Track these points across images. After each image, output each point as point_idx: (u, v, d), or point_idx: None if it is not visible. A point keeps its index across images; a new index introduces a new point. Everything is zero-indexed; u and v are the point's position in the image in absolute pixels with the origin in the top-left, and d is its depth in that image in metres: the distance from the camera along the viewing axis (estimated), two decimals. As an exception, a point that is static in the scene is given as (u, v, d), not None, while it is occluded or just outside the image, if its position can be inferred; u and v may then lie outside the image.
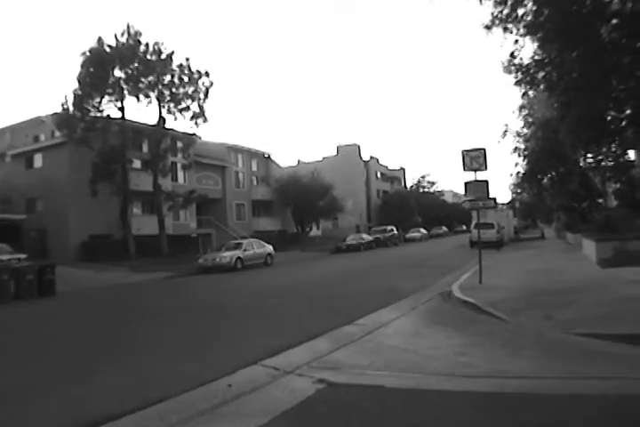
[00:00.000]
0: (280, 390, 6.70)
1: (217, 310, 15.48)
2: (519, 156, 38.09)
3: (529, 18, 13.32)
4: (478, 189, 16.91)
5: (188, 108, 41.51)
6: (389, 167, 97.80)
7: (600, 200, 38.88)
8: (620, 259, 18.03)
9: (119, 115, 39.74)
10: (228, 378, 7.30)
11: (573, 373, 6.74)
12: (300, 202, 61.02)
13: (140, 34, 39.10)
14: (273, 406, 6.06)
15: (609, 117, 16.80)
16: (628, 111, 15.85)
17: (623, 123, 16.48)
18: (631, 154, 26.82)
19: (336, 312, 12.82)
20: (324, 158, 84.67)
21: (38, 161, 42.65)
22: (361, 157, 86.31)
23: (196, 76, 41.04)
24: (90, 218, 39.21)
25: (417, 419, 5.38)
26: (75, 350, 10.07)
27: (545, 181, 41.15)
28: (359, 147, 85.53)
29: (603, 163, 25.73)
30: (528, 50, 15.70)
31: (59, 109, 38.07)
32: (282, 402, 6.17)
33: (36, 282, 21.71)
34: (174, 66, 40.35)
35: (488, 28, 13.96)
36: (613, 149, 22.43)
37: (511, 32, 13.96)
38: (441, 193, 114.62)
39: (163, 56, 39.74)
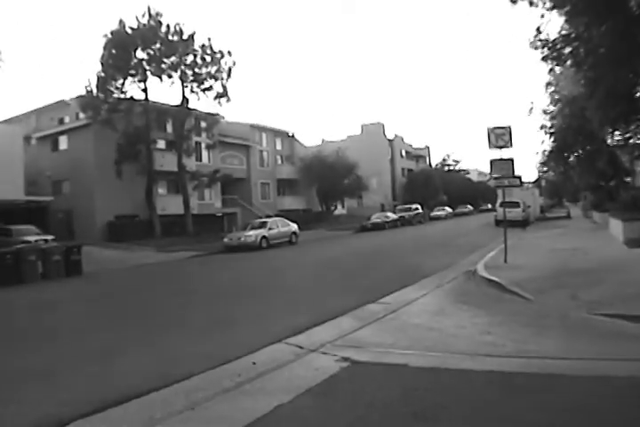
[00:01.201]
0: (304, 369, 6.73)
1: (242, 288, 15.57)
2: (545, 133, 37.60)
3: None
4: (504, 167, 16.78)
5: (210, 87, 41.39)
6: (414, 146, 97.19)
7: (628, 179, 38.34)
8: (647, 239, 17.81)
9: (142, 96, 39.80)
10: (253, 356, 7.35)
11: (599, 354, 6.68)
12: (324, 181, 60.90)
13: (161, 15, 38.98)
14: (297, 383, 6.09)
15: (638, 94, 16.52)
16: (658, 88, 15.58)
17: (653, 100, 16.21)
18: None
19: (361, 290, 12.83)
20: (348, 137, 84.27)
21: (63, 143, 42.94)
22: (385, 136, 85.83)
23: (218, 55, 40.84)
24: (115, 199, 39.50)
25: (440, 398, 5.38)
26: (101, 330, 10.19)
27: (571, 159, 40.65)
28: (383, 125, 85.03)
29: (631, 141, 25.31)
30: (555, 25, 15.48)
31: (83, 92, 38.21)
32: (306, 380, 6.20)
33: (63, 262, 22.00)
34: (196, 46, 40.22)
35: (513, 1, 13.74)
36: (642, 127, 22.05)
37: (537, 6, 13.72)
38: (466, 171, 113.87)
39: (184, 37, 39.59)
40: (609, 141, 31.11)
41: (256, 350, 7.59)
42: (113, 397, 5.92)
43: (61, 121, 49.26)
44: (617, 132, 26.20)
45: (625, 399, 5.13)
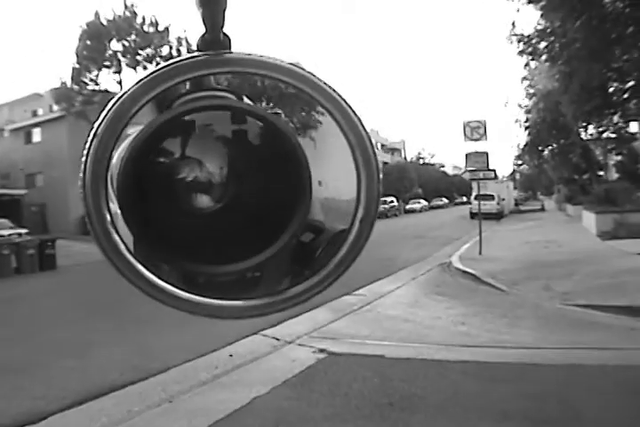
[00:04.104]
0: (281, 360, 6.77)
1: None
2: (520, 127, 37.92)
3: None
4: (479, 160, 16.97)
5: (186, 80, 41.13)
6: (389, 139, 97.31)
7: (601, 173, 38.76)
8: (619, 231, 18.04)
9: (117, 88, 39.41)
10: (229, 348, 7.36)
11: (571, 343, 6.79)
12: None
13: (136, 6, 38.63)
14: (274, 375, 6.12)
15: (611, 89, 16.72)
16: (631, 83, 15.76)
17: (626, 94, 16.41)
18: (633, 126, 26.69)
19: (335, 282, 12.84)
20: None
21: (37, 136, 42.39)
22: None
23: (194, 48, 40.56)
24: (90, 191, 39.12)
25: (416, 388, 5.44)
26: (75, 323, 10.12)
27: (546, 152, 41.04)
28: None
29: (604, 135, 25.62)
30: (531, 20, 15.64)
31: (57, 84, 37.79)
32: (283, 372, 6.23)
33: (37, 256, 21.72)
34: (172, 38, 39.93)
35: (489, -5, 13.84)
36: (615, 121, 22.31)
37: (512, 0, 13.83)
38: (441, 165, 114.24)
39: (160, 28, 39.28)
40: (583, 135, 31.46)
41: (233, 342, 7.60)
42: (90, 391, 5.90)
43: (35, 113, 48.59)
44: (590, 126, 26.50)
45: (596, 387, 5.23)
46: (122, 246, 0.64)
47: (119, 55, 38.59)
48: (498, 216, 39.59)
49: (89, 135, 0.63)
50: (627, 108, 18.12)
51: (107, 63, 38.51)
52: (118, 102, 0.63)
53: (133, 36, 38.47)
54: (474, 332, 7.59)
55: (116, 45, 38.51)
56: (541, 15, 14.45)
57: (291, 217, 0.70)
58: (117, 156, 0.65)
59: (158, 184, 0.69)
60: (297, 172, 0.69)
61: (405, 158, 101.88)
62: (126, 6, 38.47)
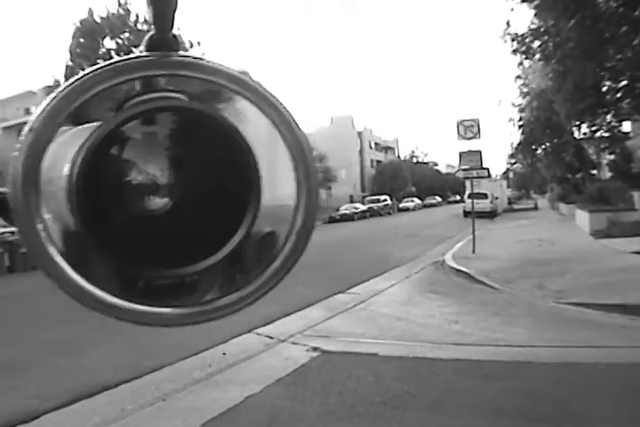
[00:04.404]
0: (274, 359, 6.76)
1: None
2: (514, 126, 37.97)
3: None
4: (472, 159, 17.04)
5: (180, 77, 41.12)
6: (383, 138, 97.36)
7: (594, 171, 38.85)
8: (612, 230, 18.10)
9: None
10: (223, 347, 7.35)
11: (565, 341, 6.81)
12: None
13: (129, 3, 38.60)
14: (267, 374, 6.12)
15: (604, 88, 16.76)
16: (624, 82, 15.81)
17: (619, 93, 16.45)
18: (626, 125, 26.76)
19: (330, 281, 12.86)
20: (317, 129, 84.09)
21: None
22: (354, 128, 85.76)
23: (187, 45, 40.58)
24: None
25: (409, 386, 5.45)
26: (69, 322, 10.06)
27: (539, 151, 41.09)
28: (352, 117, 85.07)
29: (597, 134, 25.68)
30: (524, 19, 15.69)
31: (50, 82, 37.70)
32: (276, 370, 6.23)
33: (26, 255, 21.64)
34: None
35: (484, -6, 13.89)
36: (608, 120, 22.36)
37: (507, -1, 13.86)
38: (435, 163, 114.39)
39: (153, 26, 39.22)
40: (576, 134, 31.52)
41: (226, 341, 7.59)
42: (83, 389, 5.88)
43: (28, 111, 48.51)
44: (584, 125, 26.55)
45: (590, 385, 5.25)
46: (50, 246, 0.62)
47: (112, 53, 38.51)
48: (491, 215, 39.67)
49: (25, 129, 0.62)
50: (620, 108, 18.17)
51: (100, 61, 38.34)
52: (58, 97, 0.61)
53: (127, 34, 38.45)
54: (467, 330, 7.61)
55: (109, 43, 38.48)
56: (535, 14, 14.49)
57: (241, 218, 0.70)
58: (71, 157, 0.65)
59: (109, 186, 0.68)
60: (246, 172, 0.68)
61: (399, 157, 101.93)
62: (120, 4, 38.45)
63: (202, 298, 0.70)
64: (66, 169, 0.65)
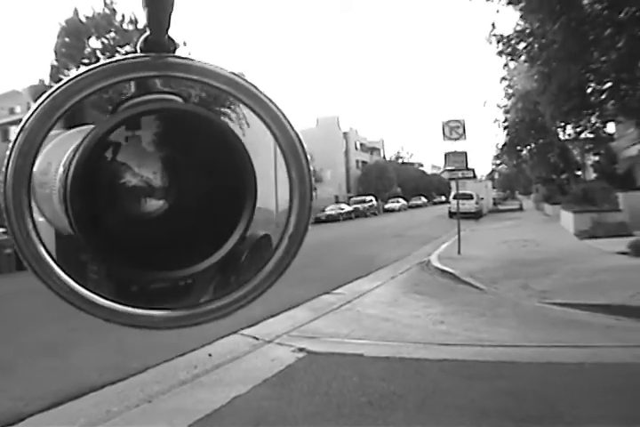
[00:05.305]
0: (260, 360, 6.76)
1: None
2: (499, 127, 38.14)
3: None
4: (457, 160, 17.13)
5: (165, 77, 41.00)
6: (369, 139, 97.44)
7: (579, 172, 39.10)
8: (597, 230, 18.23)
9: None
10: (208, 348, 7.33)
11: (550, 341, 6.85)
12: (276, 173, 60.75)
13: (115, 3, 38.43)
14: (253, 374, 6.12)
15: (589, 90, 16.86)
16: (609, 84, 15.91)
17: (603, 95, 16.55)
18: (610, 126, 26.95)
19: (315, 282, 12.85)
20: (302, 130, 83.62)
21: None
22: (340, 129, 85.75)
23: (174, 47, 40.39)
24: (67, 190, 38.78)
25: (395, 386, 5.46)
26: (54, 323, 10.02)
27: (524, 152, 41.28)
28: (338, 118, 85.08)
29: (582, 135, 25.83)
30: (510, 21, 15.75)
31: (35, 81, 37.51)
32: (262, 371, 6.23)
33: (15, 256, 21.47)
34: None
35: (469, -4, 13.93)
36: (593, 122, 22.50)
37: (492, 1, 13.92)
38: (420, 164, 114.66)
39: (139, 26, 39.07)
40: (561, 135, 31.71)
41: (212, 342, 7.57)
42: (69, 391, 5.85)
43: (12, 111, 48.17)
44: (569, 127, 26.70)
45: (574, 385, 5.28)
46: (40, 247, 0.62)
47: (98, 53, 38.32)
48: (476, 215, 39.81)
49: (17, 129, 0.62)
50: (604, 109, 18.27)
51: (85, 61, 38.16)
52: (50, 97, 0.62)
53: (112, 34, 38.24)
54: (453, 330, 7.64)
55: (94, 43, 38.24)
56: (521, 16, 14.57)
57: (236, 222, 0.70)
58: (66, 159, 0.65)
59: (103, 188, 0.68)
60: (242, 174, 0.68)
61: (384, 158, 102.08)
62: (105, 3, 38.22)
63: (193, 301, 0.70)
64: (60, 171, 0.65)
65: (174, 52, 0.65)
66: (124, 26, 38.69)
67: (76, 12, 37.34)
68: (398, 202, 73.67)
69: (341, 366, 6.30)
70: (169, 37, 0.64)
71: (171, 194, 0.70)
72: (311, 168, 0.69)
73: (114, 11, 38.33)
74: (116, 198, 0.68)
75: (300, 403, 5.19)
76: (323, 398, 5.25)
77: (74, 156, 0.63)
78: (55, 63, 37.27)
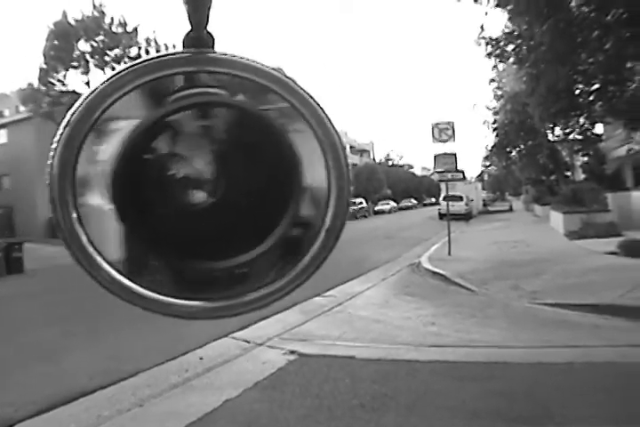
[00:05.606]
0: (251, 363, 6.75)
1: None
2: (488, 128, 38.25)
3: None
4: (447, 162, 17.19)
5: (154, 80, 40.90)
6: (358, 141, 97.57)
7: (568, 173, 39.20)
8: (586, 231, 18.31)
9: (85, 89, 38.97)
10: (200, 351, 7.32)
11: (540, 342, 6.88)
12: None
13: (105, 6, 38.33)
14: (245, 377, 6.11)
15: (577, 91, 16.92)
16: (597, 85, 15.97)
17: (591, 97, 16.61)
18: (599, 127, 27.05)
19: (306, 283, 12.83)
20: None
21: (3, 137, 41.77)
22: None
23: (162, 48, 40.36)
24: (57, 194, 38.56)
25: (387, 388, 5.47)
26: (44, 327, 10.00)
27: (514, 153, 41.39)
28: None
29: (571, 136, 25.93)
30: (498, 23, 15.82)
31: (23, 84, 37.35)
32: (254, 374, 6.22)
33: (4, 260, 21.42)
34: (140, 39, 39.63)
35: (458, -1, 13.97)
36: (581, 123, 22.59)
37: (481, 3, 13.96)
38: (410, 166, 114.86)
39: (128, 29, 38.99)
40: (550, 137, 31.84)
41: (203, 345, 7.56)
42: (60, 396, 5.83)
43: (1, 114, 47.92)
44: (557, 128, 26.80)
45: (565, 385, 5.30)
46: (84, 238, 0.65)
47: (87, 56, 38.20)
48: (466, 217, 39.90)
49: (63, 123, 0.64)
50: (592, 111, 18.32)
51: (74, 64, 38.08)
52: (94, 93, 0.64)
53: (101, 37, 38.13)
54: (443, 332, 7.65)
55: (83, 46, 38.12)
56: (509, 18, 14.63)
57: (282, 213, 0.70)
58: (110, 152, 0.67)
59: (151, 181, 0.69)
60: (289, 168, 0.69)
61: (374, 160, 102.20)
62: (95, 6, 38.11)
63: (229, 292, 0.71)
64: (107, 163, 0.67)
65: (213, 47, 0.66)
66: (113, 28, 38.58)
67: (64, 14, 37.22)
68: (388, 204, 73.69)
69: (333, 369, 6.30)
70: (208, 33, 0.66)
71: (218, 185, 0.71)
72: (349, 163, 0.70)
73: (103, 13, 38.23)
74: (162, 189, 0.70)
75: (292, 406, 5.19)
76: (314, 401, 5.26)
77: (120, 148, 0.66)
78: (44, 66, 37.14)
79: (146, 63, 0.64)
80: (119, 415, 5.25)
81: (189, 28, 0.65)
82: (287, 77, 0.68)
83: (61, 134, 0.64)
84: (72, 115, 0.64)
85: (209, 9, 0.62)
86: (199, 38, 0.65)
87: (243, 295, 0.70)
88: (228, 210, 0.72)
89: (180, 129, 0.70)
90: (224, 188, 0.71)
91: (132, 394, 5.79)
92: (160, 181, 0.69)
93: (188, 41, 0.65)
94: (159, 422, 5.17)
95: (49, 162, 0.64)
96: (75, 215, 0.64)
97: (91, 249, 0.65)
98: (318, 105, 0.69)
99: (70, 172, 0.63)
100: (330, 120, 0.70)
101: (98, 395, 5.87)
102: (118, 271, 0.66)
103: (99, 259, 0.65)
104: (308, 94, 0.68)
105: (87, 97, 0.64)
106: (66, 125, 0.64)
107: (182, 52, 0.66)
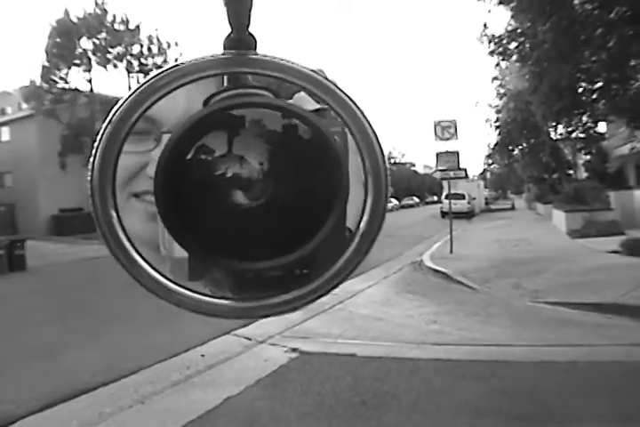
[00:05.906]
0: (253, 360, 6.75)
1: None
2: (491, 127, 38.26)
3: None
4: (449, 160, 17.17)
5: (157, 78, 40.92)
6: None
7: (570, 172, 39.17)
8: (589, 229, 18.30)
9: (87, 86, 38.99)
10: (201, 348, 7.32)
11: (542, 340, 6.86)
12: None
13: (107, 4, 38.35)
14: (246, 375, 6.11)
15: (580, 89, 16.89)
16: (600, 84, 15.95)
17: (594, 95, 16.59)
18: (601, 126, 27.02)
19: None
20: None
21: (5, 135, 41.73)
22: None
23: (165, 46, 40.36)
24: (60, 191, 38.53)
25: (389, 386, 5.46)
26: (46, 325, 10.00)
27: (516, 152, 41.42)
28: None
29: (573, 135, 25.90)
30: (501, 21, 15.81)
31: (26, 82, 37.38)
32: (255, 371, 6.22)
33: (6, 257, 21.39)
34: (143, 36, 39.64)
35: (462, -4, 13.97)
36: (584, 121, 22.55)
37: (484, 1, 13.95)
38: (412, 164, 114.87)
39: (131, 26, 38.99)
40: (552, 135, 31.81)
41: (204, 343, 7.56)
42: (61, 393, 5.83)
43: (3, 111, 47.93)
44: (560, 126, 26.78)
45: (567, 383, 5.29)
46: (121, 234, 0.66)
47: (89, 53, 38.24)
48: (469, 215, 39.89)
49: (105, 122, 0.65)
50: (595, 109, 18.30)
51: (77, 61, 38.12)
52: (136, 92, 0.64)
53: (104, 34, 38.19)
54: (445, 330, 7.64)
55: (86, 43, 38.18)
56: (512, 16, 14.62)
57: (327, 217, 0.70)
58: (154, 153, 0.68)
59: (197, 182, 0.69)
60: (335, 172, 0.68)
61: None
62: (97, 4, 38.15)
63: (260, 293, 0.71)
64: (152, 163, 0.68)
65: (255, 48, 0.66)
66: (116, 26, 38.63)
67: (67, 12, 37.27)
68: (390, 202, 73.55)
69: (334, 366, 6.29)
70: (249, 34, 0.66)
71: (266, 188, 0.70)
72: (388, 167, 0.70)
73: (105, 11, 38.29)
74: (210, 190, 0.69)
75: (293, 403, 5.19)
76: (316, 399, 5.25)
77: (164, 147, 0.65)
78: (46, 64, 37.17)
79: (186, 64, 0.65)
80: (121, 412, 5.25)
81: (229, 29, 0.64)
82: (328, 80, 0.68)
83: (103, 133, 0.64)
84: (114, 114, 0.64)
85: (250, 10, 0.62)
86: (240, 40, 0.65)
87: (272, 297, 0.69)
88: (274, 212, 0.71)
89: (226, 129, 0.69)
90: (271, 189, 0.70)
91: (133, 391, 5.79)
92: (205, 182, 0.69)
93: (229, 43, 0.65)
94: (160, 419, 5.16)
95: (90, 159, 0.64)
96: (113, 213, 0.65)
97: (128, 245, 0.66)
98: (358, 108, 0.68)
99: (110, 172, 0.64)
100: (369, 123, 0.69)
101: (99, 392, 5.86)
102: (157, 271, 0.67)
103: (135, 255, 0.66)
104: (348, 97, 0.68)
105: (128, 97, 0.64)
106: (108, 124, 0.64)
107: (223, 54, 0.66)
